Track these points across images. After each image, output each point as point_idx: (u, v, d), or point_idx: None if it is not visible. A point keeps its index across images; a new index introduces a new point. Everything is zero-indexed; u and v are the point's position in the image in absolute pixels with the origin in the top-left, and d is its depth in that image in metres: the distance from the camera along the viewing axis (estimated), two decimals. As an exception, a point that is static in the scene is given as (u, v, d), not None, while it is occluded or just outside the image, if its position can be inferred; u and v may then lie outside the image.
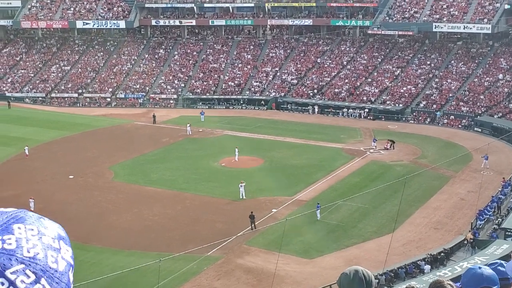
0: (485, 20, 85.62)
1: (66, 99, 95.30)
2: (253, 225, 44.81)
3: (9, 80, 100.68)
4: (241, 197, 51.08)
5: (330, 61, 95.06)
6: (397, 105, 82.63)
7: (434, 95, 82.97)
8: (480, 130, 72.91)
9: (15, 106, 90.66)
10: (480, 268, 3.79)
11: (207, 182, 56.03)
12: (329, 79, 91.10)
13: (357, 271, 3.91)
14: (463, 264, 34.32)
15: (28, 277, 2.01)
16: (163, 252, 39.45)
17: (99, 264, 40.21)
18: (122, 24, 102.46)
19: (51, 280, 2.05)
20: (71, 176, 58.32)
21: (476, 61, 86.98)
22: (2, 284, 1.97)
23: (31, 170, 60.53)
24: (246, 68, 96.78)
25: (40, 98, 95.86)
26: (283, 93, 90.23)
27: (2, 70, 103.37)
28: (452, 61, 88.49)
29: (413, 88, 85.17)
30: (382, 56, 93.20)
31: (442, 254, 39.80)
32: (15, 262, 2.00)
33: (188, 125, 73.52)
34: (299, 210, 47.40)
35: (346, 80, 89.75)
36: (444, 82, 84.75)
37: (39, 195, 50.65)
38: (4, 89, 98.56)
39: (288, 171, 58.74)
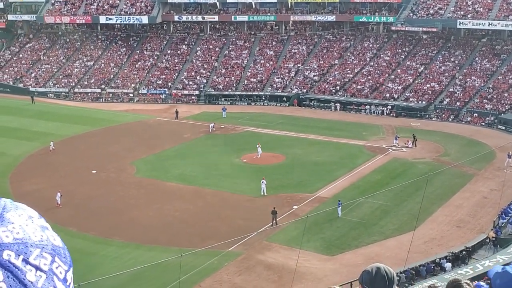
0: (510, 17, 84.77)
1: (89, 94, 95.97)
2: (274, 221, 44.81)
3: (33, 75, 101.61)
4: (262, 193, 51.09)
5: (353, 58, 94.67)
6: (420, 102, 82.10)
7: (457, 92, 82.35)
8: (504, 128, 72.20)
9: (38, 101, 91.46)
10: None
11: (228, 178, 56.11)
12: (351, 75, 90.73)
13: (379, 268, 3.89)
14: (484, 263, 34.00)
15: (46, 259, 2.09)
16: (184, 247, 39.54)
17: (120, 258, 40.49)
18: (145, 19, 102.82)
19: (60, 256, 2.15)
20: (93, 171, 58.74)
21: (501, 58, 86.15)
22: (30, 270, 2.04)
23: (54, 165, 61.07)
24: (268, 64, 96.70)
25: (63, 93, 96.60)
26: (305, 90, 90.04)
27: (26, 65, 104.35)
28: (477, 58, 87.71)
29: (437, 85, 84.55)
30: (406, 53, 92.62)
31: (463, 252, 39.50)
32: (32, 248, 2.08)
33: (212, 124, 73.57)
34: (320, 207, 47.30)
35: (369, 77, 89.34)
36: (468, 79, 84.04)
37: (62, 189, 50.95)
38: (28, 84, 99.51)
39: (309, 168, 58.61)
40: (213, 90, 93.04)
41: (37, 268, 2.06)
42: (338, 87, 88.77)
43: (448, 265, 37.86)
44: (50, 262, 2.10)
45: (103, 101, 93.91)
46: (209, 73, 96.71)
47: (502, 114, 74.74)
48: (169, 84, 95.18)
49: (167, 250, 40.35)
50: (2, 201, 2.22)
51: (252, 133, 72.07)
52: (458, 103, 79.94)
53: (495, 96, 78.90)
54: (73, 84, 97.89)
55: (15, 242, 2.07)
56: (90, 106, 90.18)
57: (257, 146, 62.51)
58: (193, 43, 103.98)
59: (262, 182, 51.41)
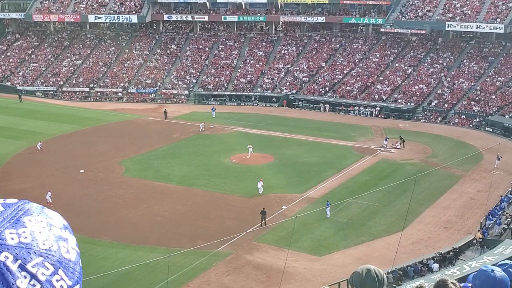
0: (498, 19, 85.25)
1: (77, 93, 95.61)
2: (263, 221, 44.86)
3: (21, 73, 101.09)
4: (260, 193, 51.03)
5: (342, 59, 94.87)
6: (408, 103, 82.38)
7: (445, 94, 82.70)
8: (491, 130, 72.64)
9: (26, 100, 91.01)
10: (493, 271, 3.76)
11: (217, 178, 56.07)
12: (341, 77, 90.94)
13: (369, 270, 3.93)
14: (471, 263, 34.17)
15: (47, 269, 2.03)
16: (173, 247, 39.54)
17: (108, 258, 40.36)
18: (134, 18, 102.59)
19: (67, 270, 2.08)
20: (81, 171, 58.52)
21: (488, 61, 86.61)
22: (25, 277, 1.98)
23: (41, 164, 60.77)
24: (258, 65, 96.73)
25: (52, 92, 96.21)
26: (294, 90, 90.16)
27: (14, 63, 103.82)
28: (464, 61, 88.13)
29: (425, 87, 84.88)
30: (395, 55, 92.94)
31: (451, 253, 39.70)
32: (34, 255, 2.02)
33: (202, 124, 73.55)
34: (309, 208, 47.38)
35: (358, 78, 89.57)
36: (456, 82, 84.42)
37: (50, 189, 50.73)
38: (16, 82, 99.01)
39: (298, 169, 58.69)
40: (202, 90, 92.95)
41: (33, 276, 2.00)
42: (327, 88, 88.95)
43: (435, 266, 38.04)
44: (50, 273, 2.03)
45: (92, 100, 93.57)
46: (198, 73, 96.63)
47: (490, 116, 75.15)
48: (158, 83, 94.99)
49: (155, 250, 40.30)
50: (28, 205, 2.17)
51: (241, 134, 72.06)
52: (446, 105, 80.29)
53: (482, 98, 79.30)
54: (62, 83, 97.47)
55: (18, 245, 2.02)
56: (79, 105, 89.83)
57: (248, 146, 62.54)
58: (182, 42, 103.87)
59: (259, 183, 51.49)
